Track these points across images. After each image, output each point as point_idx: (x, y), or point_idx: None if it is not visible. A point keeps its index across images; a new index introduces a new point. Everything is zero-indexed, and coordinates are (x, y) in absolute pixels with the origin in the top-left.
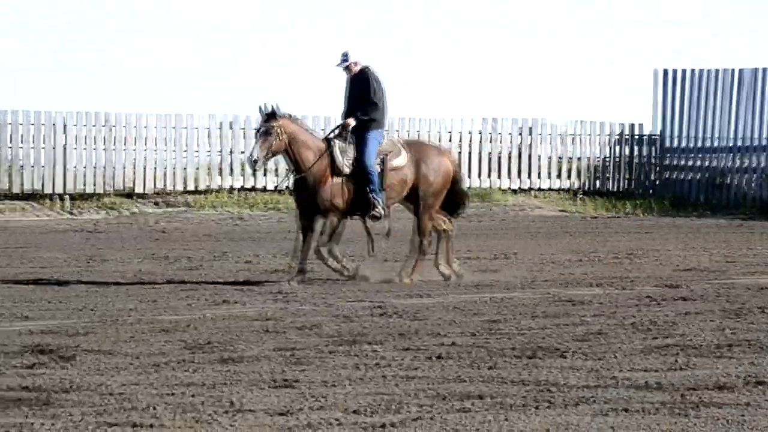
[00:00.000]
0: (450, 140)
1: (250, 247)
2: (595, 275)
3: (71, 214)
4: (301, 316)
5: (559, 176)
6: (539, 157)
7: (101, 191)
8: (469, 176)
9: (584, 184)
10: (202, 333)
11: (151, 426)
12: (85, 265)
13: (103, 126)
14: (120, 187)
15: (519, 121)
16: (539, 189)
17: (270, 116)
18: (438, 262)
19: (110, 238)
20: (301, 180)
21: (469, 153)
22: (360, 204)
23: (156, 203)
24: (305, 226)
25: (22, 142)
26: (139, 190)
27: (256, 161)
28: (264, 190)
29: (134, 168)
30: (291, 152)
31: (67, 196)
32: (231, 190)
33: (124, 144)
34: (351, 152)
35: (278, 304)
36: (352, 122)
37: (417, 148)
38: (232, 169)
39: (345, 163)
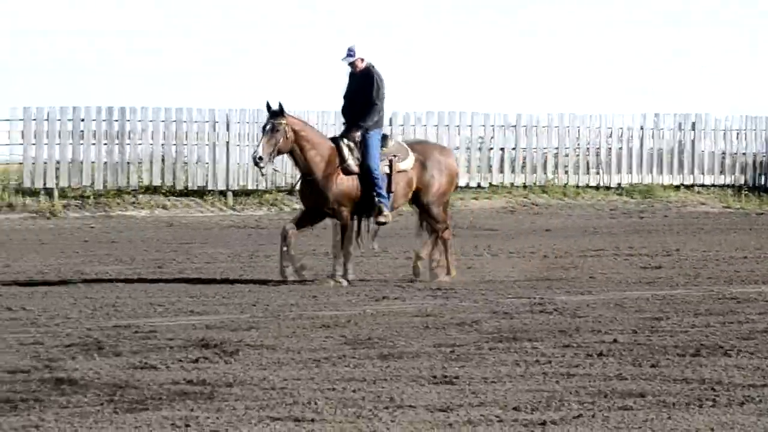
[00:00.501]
0: (611, 136)
1: (409, 242)
2: (761, 273)
3: (234, 210)
4: (461, 313)
5: (722, 172)
6: (702, 152)
7: (263, 188)
8: (630, 172)
9: (749, 180)
10: (363, 329)
11: (312, 420)
12: (248, 261)
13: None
14: (282, 182)
15: (681, 116)
16: (702, 185)
17: (277, 113)
18: (419, 256)
19: (271, 234)
20: (310, 180)
21: (630, 149)
22: (365, 206)
23: None
24: (303, 226)
25: (186, 139)
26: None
27: (260, 158)
28: None
29: None
30: (299, 152)
31: (230, 193)
32: None
33: None
34: (357, 153)
35: (437, 301)
36: (357, 135)
37: (421, 149)
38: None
39: (354, 162)
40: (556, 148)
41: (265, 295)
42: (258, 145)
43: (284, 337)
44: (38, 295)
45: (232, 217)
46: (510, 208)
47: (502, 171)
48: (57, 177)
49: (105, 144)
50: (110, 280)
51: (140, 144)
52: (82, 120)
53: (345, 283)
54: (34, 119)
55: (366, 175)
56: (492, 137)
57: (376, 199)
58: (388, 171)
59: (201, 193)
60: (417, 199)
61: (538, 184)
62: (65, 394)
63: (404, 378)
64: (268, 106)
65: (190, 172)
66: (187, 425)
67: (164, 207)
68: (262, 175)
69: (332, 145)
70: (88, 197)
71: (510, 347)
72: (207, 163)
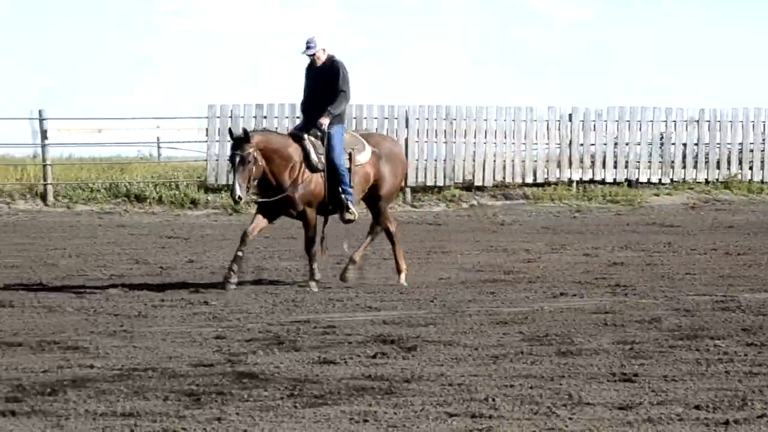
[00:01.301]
0: (764, 131)
1: (588, 239)
2: None
3: (412, 206)
4: (640, 310)
5: None
6: None
7: (442, 183)
8: None
9: None
10: (540, 325)
11: (490, 417)
12: (425, 257)
13: (444, 119)
14: (460, 179)
15: None
16: None
17: (242, 140)
18: (353, 260)
19: (450, 230)
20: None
21: None
22: (330, 204)
23: (495, 196)
24: (263, 227)
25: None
26: (478, 182)
27: (239, 198)
28: (602, 182)
29: (474, 161)
30: (269, 172)
31: (409, 189)
32: (570, 182)
33: (465, 137)
34: (321, 149)
35: (617, 297)
36: (326, 122)
37: (375, 142)
38: (571, 162)
39: (319, 159)
40: (740, 144)
41: (443, 291)
42: (233, 184)
43: (462, 333)
44: (222, 290)
45: (411, 213)
46: (691, 204)
47: (684, 167)
48: None
49: None
50: (288, 276)
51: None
52: (264, 117)
53: (314, 286)
54: (218, 117)
55: (332, 171)
56: (673, 133)
57: (343, 196)
58: (348, 165)
59: None
60: (371, 193)
61: (720, 180)
62: (246, 387)
63: (582, 375)
64: (231, 133)
65: None
66: (366, 420)
67: None
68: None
69: (296, 145)
70: None
71: (691, 345)
72: None
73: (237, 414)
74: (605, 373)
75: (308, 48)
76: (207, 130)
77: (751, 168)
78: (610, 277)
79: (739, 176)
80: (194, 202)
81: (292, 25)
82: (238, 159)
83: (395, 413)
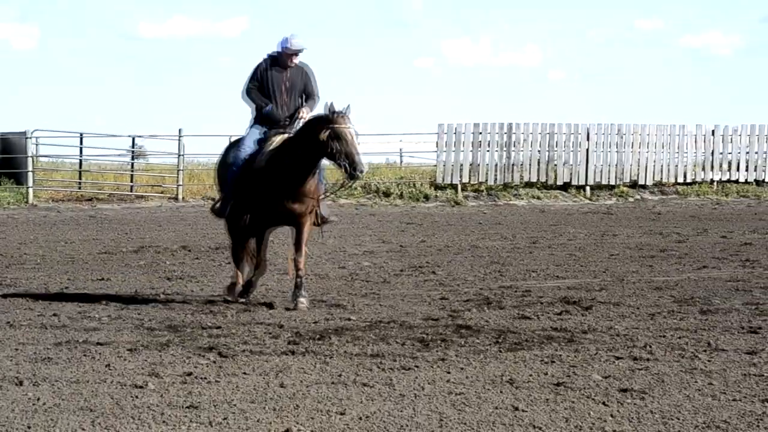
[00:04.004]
0: None
1: (725, 225)
2: None
3: (590, 200)
4: (764, 279)
5: None
6: None
7: (614, 183)
8: None
9: None
10: (687, 290)
11: (647, 359)
12: (600, 238)
13: (616, 134)
14: (627, 179)
15: None
16: None
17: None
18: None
19: (619, 218)
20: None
21: None
22: None
23: (653, 192)
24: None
25: (556, 146)
26: (641, 182)
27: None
28: (736, 181)
29: (638, 165)
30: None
31: (588, 187)
32: (711, 181)
33: (632, 147)
34: None
35: (746, 269)
36: (307, 113)
37: None
38: (713, 166)
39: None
40: None
41: (612, 264)
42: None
43: (627, 296)
44: (445, 263)
45: (589, 206)
46: None
47: None
48: (461, 175)
49: (496, 151)
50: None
51: (522, 151)
52: (480, 133)
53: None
54: (446, 132)
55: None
56: None
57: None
58: None
59: (566, 187)
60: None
61: None
62: (463, 336)
63: (719, 328)
64: (332, 110)
65: (559, 172)
66: (553, 361)
67: (538, 198)
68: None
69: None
70: (482, 191)
71: None
72: (571, 165)
73: (456, 356)
74: (736, 326)
75: (299, 48)
76: (437, 143)
77: None
78: (741, 253)
79: None
80: (426, 197)
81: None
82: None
83: (575, 356)
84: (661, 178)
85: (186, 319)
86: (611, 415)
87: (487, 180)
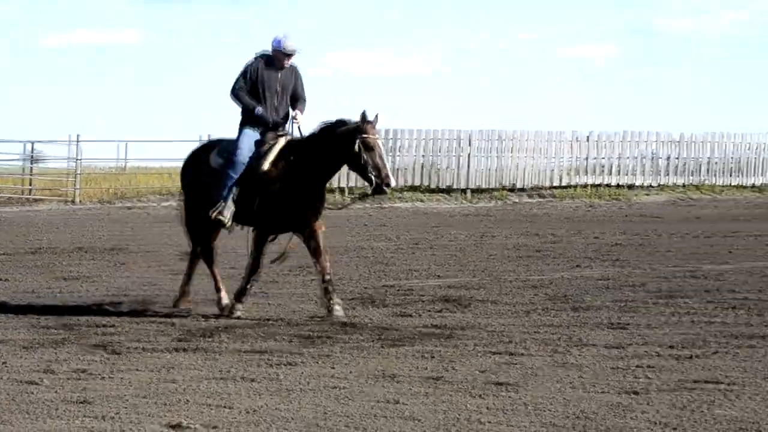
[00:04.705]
0: (749, 148)
1: (598, 226)
2: None
3: (471, 203)
4: (632, 277)
5: None
6: None
7: (494, 186)
8: (763, 174)
9: None
10: (560, 288)
11: (522, 354)
12: (479, 239)
13: (496, 140)
14: (507, 183)
15: None
16: None
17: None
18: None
19: (498, 220)
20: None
21: (764, 158)
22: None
23: (531, 195)
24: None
25: (439, 152)
26: (519, 185)
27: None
28: (609, 185)
29: (517, 169)
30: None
31: (469, 190)
32: (585, 185)
33: (511, 153)
34: None
35: (616, 269)
36: (300, 117)
37: None
38: (587, 170)
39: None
40: (709, 157)
41: (490, 263)
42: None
43: (503, 294)
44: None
45: (470, 208)
46: (672, 201)
47: (667, 174)
48: (348, 179)
49: None
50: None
51: (406, 156)
52: None
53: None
54: None
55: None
56: (660, 149)
57: None
58: None
59: (448, 190)
60: None
61: (693, 184)
62: (347, 333)
63: (589, 325)
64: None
65: (441, 176)
66: (432, 356)
67: (421, 201)
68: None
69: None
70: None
71: (668, 302)
72: (453, 169)
73: (340, 352)
74: (606, 323)
75: (295, 50)
76: None
77: (715, 175)
78: (612, 254)
79: (707, 181)
80: None
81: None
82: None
83: (453, 351)
84: (539, 182)
85: (80, 318)
86: (486, 407)
87: None
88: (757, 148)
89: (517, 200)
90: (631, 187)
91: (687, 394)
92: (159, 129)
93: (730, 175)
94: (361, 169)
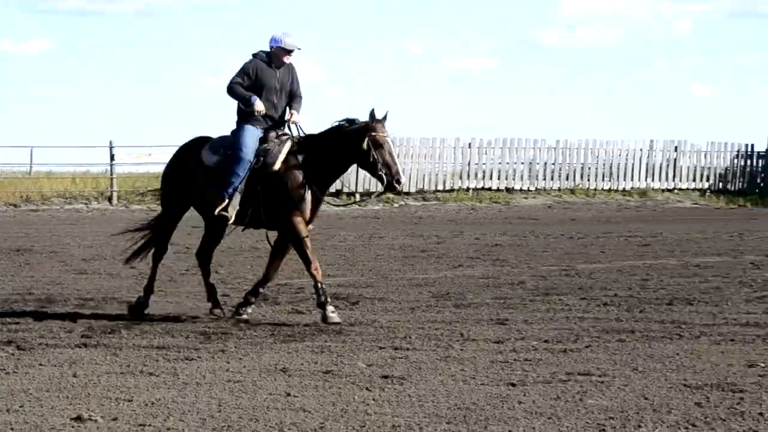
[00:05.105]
0: (620, 155)
1: (479, 228)
2: (716, 248)
3: (359, 206)
4: (512, 276)
5: (695, 179)
6: (681, 166)
7: (381, 189)
8: (633, 179)
9: (713, 185)
10: (443, 286)
11: (407, 349)
12: (368, 240)
13: None
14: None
15: (669, 141)
16: (681, 189)
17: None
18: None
19: (385, 222)
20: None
21: (633, 163)
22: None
23: (416, 198)
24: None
25: None
26: (406, 189)
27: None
28: (489, 189)
29: (403, 174)
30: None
31: (358, 194)
32: (467, 189)
33: (397, 158)
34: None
35: (496, 268)
36: (296, 116)
37: None
38: (469, 175)
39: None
40: (583, 163)
41: (378, 263)
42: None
43: (390, 292)
44: (227, 263)
45: (359, 211)
46: (548, 204)
47: (545, 178)
48: None
49: None
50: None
51: None
52: None
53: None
54: None
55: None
56: (538, 155)
57: None
58: None
59: (337, 194)
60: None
61: (569, 188)
62: (242, 329)
63: (471, 320)
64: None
65: None
66: (322, 351)
67: None
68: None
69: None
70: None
71: (544, 299)
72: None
73: (235, 347)
74: (486, 319)
75: (294, 47)
76: None
77: (588, 179)
78: (492, 254)
79: (581, 185)
80: None
81: None
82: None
83: (343, 346)
84: (423, 186)
85: None
86: (373, 399)
87: None
88: (627, 154)
89: (403, 203)
90: (510, 190)
91: (561, 385)
92: (64, 136)
93: (603, 180)
94: (371, 167)
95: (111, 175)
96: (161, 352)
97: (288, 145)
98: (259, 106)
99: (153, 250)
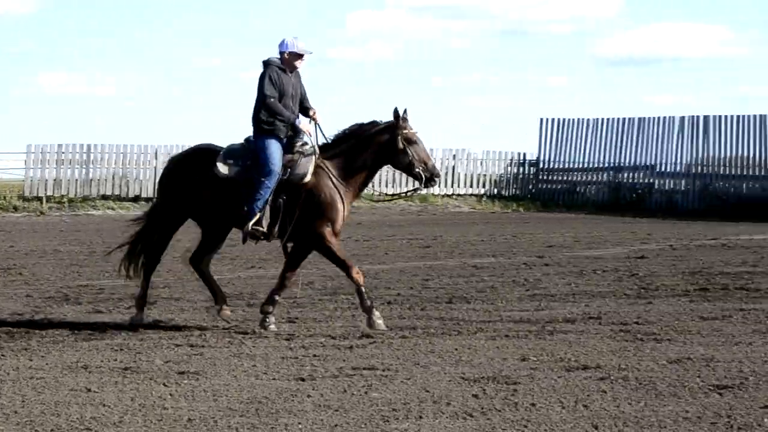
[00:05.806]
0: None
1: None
2: (492, 249)
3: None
4: (302, 277)
5: (472, 185)
6: (461, 173)
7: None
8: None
9: (489, 191)
10: (237, 287)
11: (202, 346)
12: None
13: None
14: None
15: (448, 150)
16: (459, 195)
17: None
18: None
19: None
20: None
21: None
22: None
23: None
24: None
25: (129, 164)
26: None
27: None
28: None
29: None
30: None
31: (155, 198)
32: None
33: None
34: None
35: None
36: (319, 117)
37: None
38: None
39: None
40: None
41: (174, 265)
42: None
43: (186, 292)
44: (30, 265)
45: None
46: None
47: None
48: (46, 189)
49: (77, 168)
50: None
51: (99, 168)
52: (63, 153)
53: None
54: (33, 152)
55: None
56: None
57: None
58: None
59: (137, 198)
60: None
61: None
62: (45, 328)
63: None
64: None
65: (131, 186)
66: (122, 349)
67: (112, 208)
68: None
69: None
70: (64, 202)
71: (332, 298)
72: (141, 180)
73: (38, 345)
74: (279, 316)
75: (307, 51)
76: (25, 161)
77: (373, 185)
78: (281, 256)
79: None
80: (15, 208)
81: None
82: None
83: (141, 344)
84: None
85: None
86: (170, 394)
87: (68, 193)
88: None
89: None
90: None
91: (348, 379)
92: None
93: (387, 186)
94: (407, 166)
95: None
96: None
97: (314, 156)
98: (305, 126)
99: (144, 263)
